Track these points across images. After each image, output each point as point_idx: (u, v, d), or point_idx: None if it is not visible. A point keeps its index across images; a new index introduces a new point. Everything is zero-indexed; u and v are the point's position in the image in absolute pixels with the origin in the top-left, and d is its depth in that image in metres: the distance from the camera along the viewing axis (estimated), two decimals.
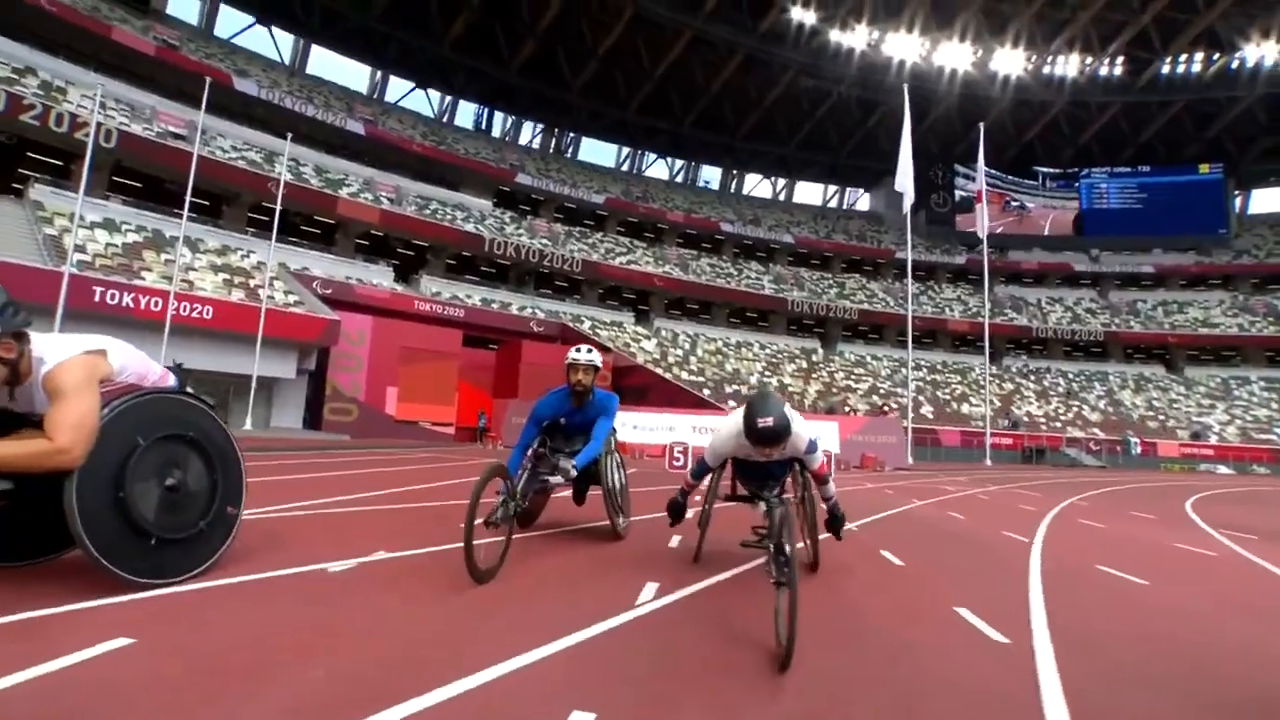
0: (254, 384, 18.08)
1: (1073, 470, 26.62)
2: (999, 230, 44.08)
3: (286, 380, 20.36)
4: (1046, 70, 42.13)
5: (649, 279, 36.97)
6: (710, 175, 49.66)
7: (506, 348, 27.55)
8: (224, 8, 33.68)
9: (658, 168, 48.27)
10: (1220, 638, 3.07)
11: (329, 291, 23.69)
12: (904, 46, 40.10)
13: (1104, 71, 42.20)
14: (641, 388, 26.87)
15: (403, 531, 4.40)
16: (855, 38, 39.84)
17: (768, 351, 37.42)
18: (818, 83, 42.61)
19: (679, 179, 48.62)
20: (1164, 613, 3.51)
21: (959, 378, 38.77)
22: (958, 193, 47.43)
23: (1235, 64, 40.36)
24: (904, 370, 31.96)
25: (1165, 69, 41.43)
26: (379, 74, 38.91)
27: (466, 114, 42.21)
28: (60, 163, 22.36)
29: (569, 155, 45.10)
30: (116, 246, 19.63)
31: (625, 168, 46.87)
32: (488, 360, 27.89)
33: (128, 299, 16.90)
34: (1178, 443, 33.68)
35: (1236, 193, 47.74)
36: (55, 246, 17.69)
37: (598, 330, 31.33)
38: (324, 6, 34.42)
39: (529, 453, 4.06)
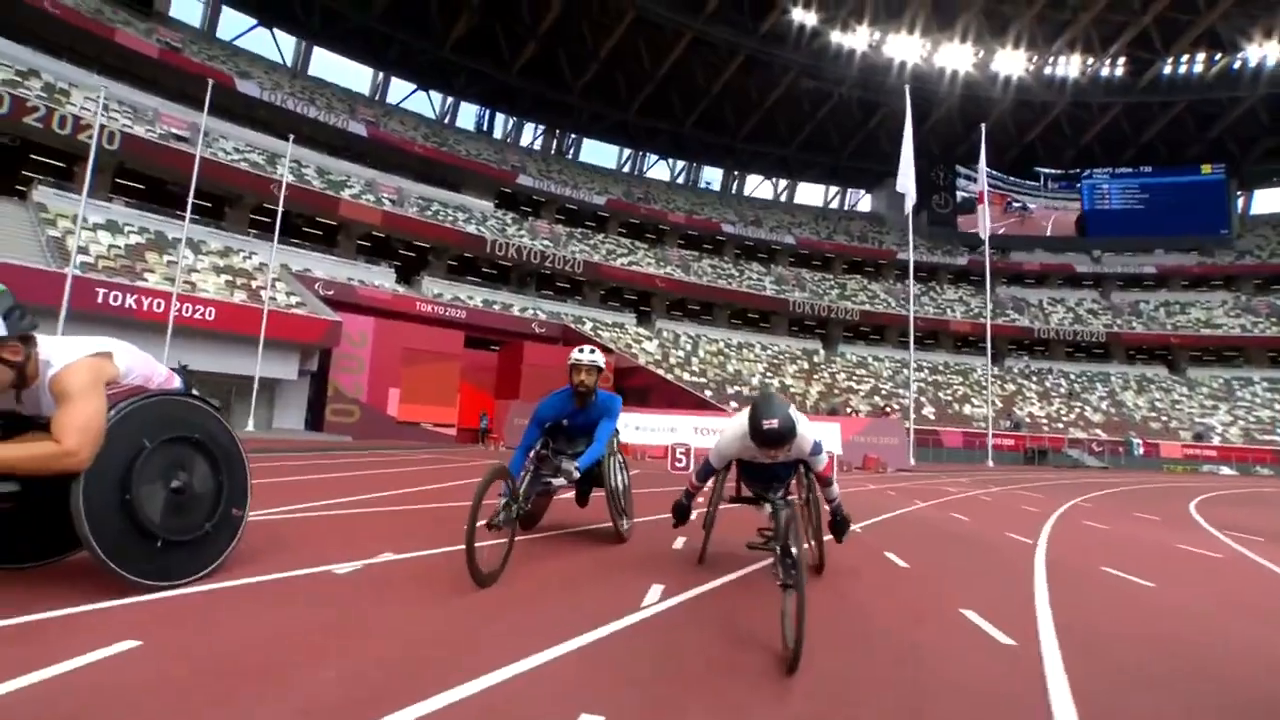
0: (256, 385, 18.11)
1: (1075, 471, 26.58)
2: (1001, 231, 44.08)
3: (288, 381, 20.39)
4: (1048, 71, 42.11)
5: (650, 280, 36.99)
6: (711, 176, 49.78)
7: (508, 349, 27.57)
8: (226, 10, 33.80)
9: (659, 169, 48.40)
10: (1227, 639, 3.06)
11: (331, 293, 23.72)
12: (905, 48, 40.11)
13: (1105, 72, 42.18)
14: (643, 389, 26.87)
15: (408, 533, 4.40)
16: (856, 39, 39.85)
17: (769, 352, 37.41)
18: (819, 84, 42.63)
19: (680, 180, 48.65)
20: (1170, 614, 3.51)
21: (961, 379, 38.74)
22: (959, 194, 47.42)
23: (1237, 64, 40.33)
24: (906, 371, 31.93)
25: (1167, 69, 41.40)
26: (381, 76, 38.99)
27: (468, 115, 42.36)
28: (63, 165, 22.43)
29: (570, 157, 45.15)
30: (119, 248, 19.68)
31: (626, 169, 46.92)
32: (489, 361, 27.90)
33: (130, 300, 16.95)
34: (1180, 444, 33.63)
35: (1239, 193, 47.70)
36: (58, 248, 17.74)
37: (599, 331, 31.34)
38: (324, 7, 34.49)
39: (531, 454, 4.04)
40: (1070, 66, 41.89)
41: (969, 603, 3.28)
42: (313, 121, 30.94)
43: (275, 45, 35.53)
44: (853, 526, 4.17)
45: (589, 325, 31.77)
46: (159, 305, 17.00)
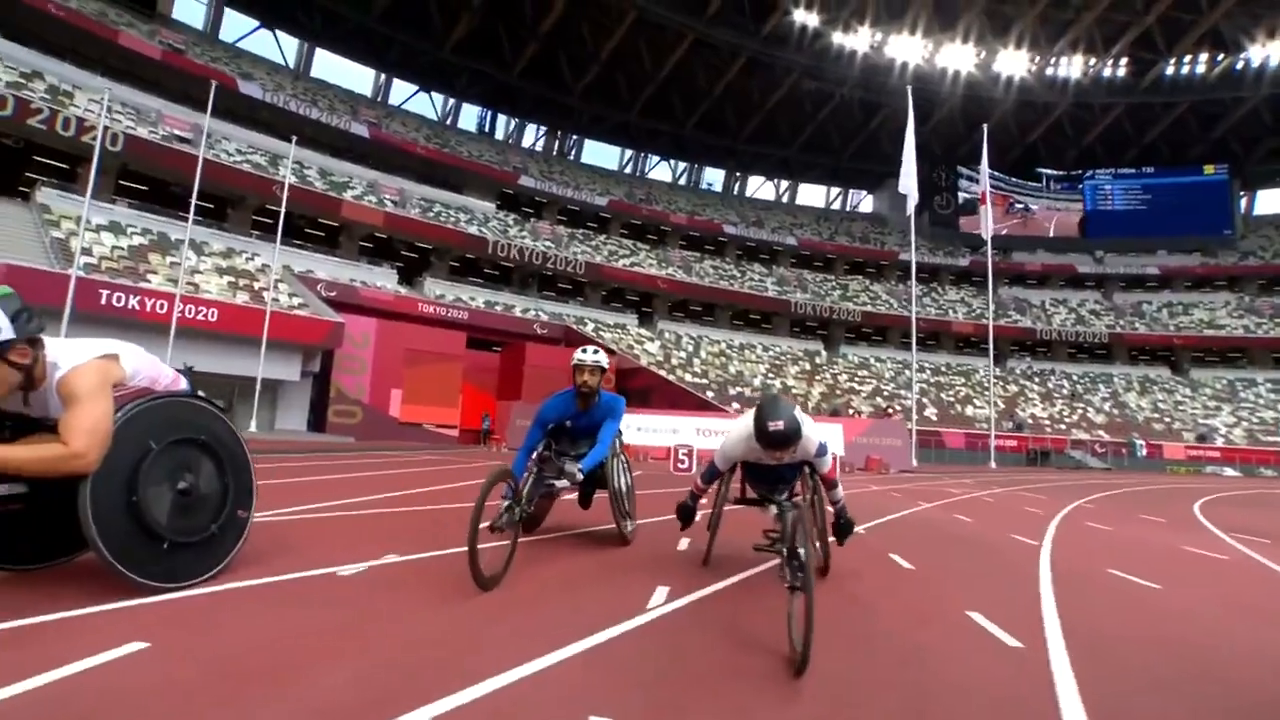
0: (259, 386, 18.13)
1: (1078, 473, 26.52)
2: (1003, 232, 44.04)
3: (291, 382, 20.42)
4: (1050, 71, 42.06)
5: (652, 281, 36.99)
6: (713, 177, 49.76)
7: (510, 350, 27.59)
8: (229, 12, 33.86)
9: (660, 170, 48.39)
10: (1234, 642, 3.05)
11: (333, 294, 23.75)
12: (907, 48, 40.08)
13: (1107, 72, 42.12)
14: (645, 390, 26.86)
15: (412, 534, 4.40)
16: (858, 40, 39.83)
17: (771, 353, 37.39)
18: (820, 85, 42.62)
19: (682, 181, 48.66)
20: (1177, 617, 3.50)
21: (963, 380, 38.69)
22: (961, 195, 47.37)
23: (1240, 64, 40.24)
24: (908, 372, 31.89)
25: (1169, 70, 41.33)
26: (383, 77, 39.05)
27: (470, 117, 42.38)
28: (67, 166, 22.49)
29: (572, 158, 45.18)
30: (122, 249, 19.72)
31: (628, 170, 46.94)
32: (491, 362, 27.92)
33: (134, 301, 16.98)
34: (1183, 445, 33.53)
35: (1242, 194, 47.60)
36: (62, 249, 17.79)
37: (601, 332, 31.36)
38: (326, 9, 34.55)
39: (534, 456, 4.03)
40: (1072, 67, 41.84)
41: (975, 605, 3.28)
42: (315, 123, 30.99)
43: (278, 47, 35.65)
44: (856, 528, 4.15)
45: (591, 326, 31.78)
46: (162, 306, 17.04)
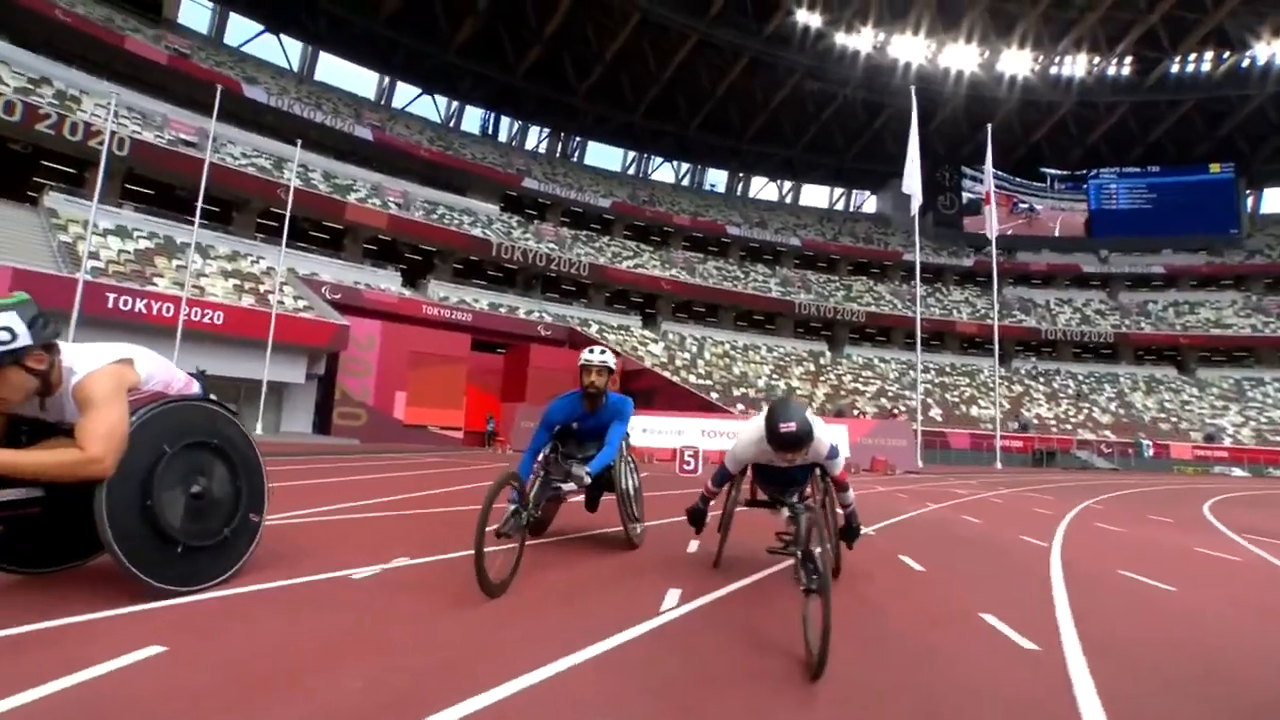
0: (264, 389, 18.19)
1: (1084, 473, 26.41)
2: (1008, 232, 43.92)
3: (296, 385, 20.48)
4: (1054, 71, 41.95)
5: (656, 282, 37.00)
6: (716, 178, 49.79)
7: (514, 351, 27.62)
8: (234, 16, 34.03)
9: (664, 171, 48.45)
10: (1249, 643, 3.03)
11: (338, 296, 23.82)
12: (910, 48, 40.03)
13: (1112, 71, 41.98)
14: (649, 391, 26.86)
15: (422, 537, 4.40)
16: (861, 40, 39.80)
17: (775, 354, 37.35)
18: (823, 85, 42.59)
19: (685, 182, 48.68)
20: (1192, 618, 3.47)
21: (967, 380, 38.57)
22: (965, 194, 47.27)
23: (1245, 62, 40.07)
24: (912, 373, 31.81)
25: (1174, 68, 41.18)
26: (386, 80, 39.19)
27: (473, 119, 42.50)
28: (74, 171, 22.62)
29: (575, 159, 45.25)
30: (129, 253, 19.82)
31: (631, 171, 46.99)
32: (496, 364, 27.96)
33: (140, 305, 17.06)
34: (1191, 445, 33.35)
35: (1248, 192, 47.36)
36: (69, 253, 17.89)
37: (605, 334, 31.37)
38: (330, 13, 34.69)
39: (540, 458, 3.99)
40: (1076, 66, 41.72)
41: (987, 606, 3.26)
42: (319, 126, 31.13)
43: (282, 51, 35.82)
44: (865, 530, 4.15)
45: (595, 328, 31.80)
46: (168, 309, 17.11)
